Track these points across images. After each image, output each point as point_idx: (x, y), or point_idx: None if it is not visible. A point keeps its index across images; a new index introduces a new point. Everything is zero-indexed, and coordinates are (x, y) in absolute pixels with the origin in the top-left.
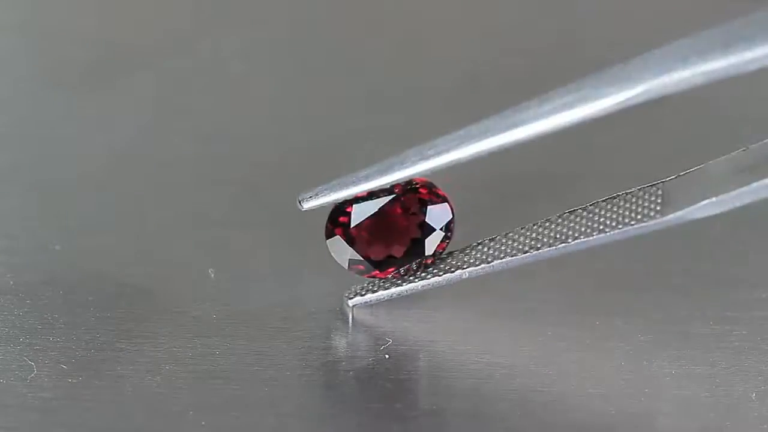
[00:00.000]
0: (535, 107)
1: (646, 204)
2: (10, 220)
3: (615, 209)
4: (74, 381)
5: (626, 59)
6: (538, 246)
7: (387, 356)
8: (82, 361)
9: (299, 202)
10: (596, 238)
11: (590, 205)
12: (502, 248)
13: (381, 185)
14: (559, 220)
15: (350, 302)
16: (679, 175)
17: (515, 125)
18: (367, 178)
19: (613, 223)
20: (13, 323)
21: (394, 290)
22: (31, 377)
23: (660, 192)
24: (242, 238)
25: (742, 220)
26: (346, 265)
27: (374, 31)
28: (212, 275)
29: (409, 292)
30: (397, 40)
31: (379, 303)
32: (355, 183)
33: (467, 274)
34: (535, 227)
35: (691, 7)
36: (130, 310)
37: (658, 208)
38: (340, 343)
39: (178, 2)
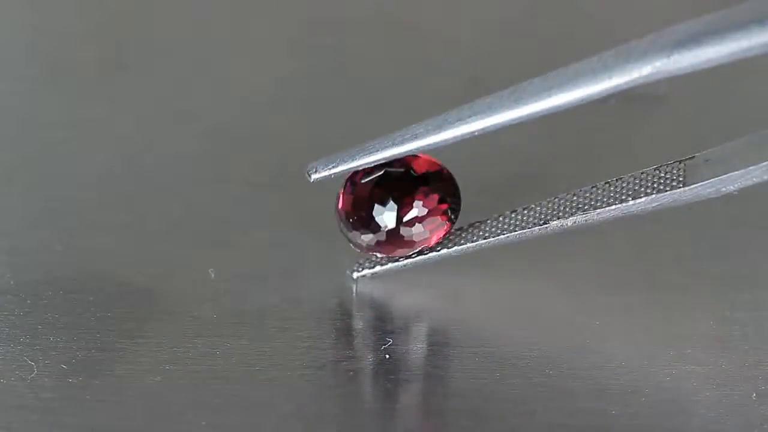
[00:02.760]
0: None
1: (669, 177)
2: (11, 220)
3: (637, 181)
4: (74, 381)
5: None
6: (556, 216)
7: (387, 356)
8: (82, 361)
9: (308, 174)
10: (616, 208)
11: (608, 182)
12: (516, 222)
13: (389, 157)
14: (575, 196)
15: (355, 275)
16: (695, 155)
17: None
18: (375, 150)
19: (634, 194)
20: (13, 323)
21: (398, 263)
22: (32, 377)
23: (682, 168)
24: (242, 238)
25: (743, 220)
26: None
27: (374, 31)
28: (212, 275)
29: (413, 265)
30: (397, 40)
31: (382, 304)
32: (363, 154)
33: (474, 247)
34: (555, 200)
35: (691, 7)
36: (130, 310)
37: (681, 179)
38: (341, 343)
39: (178, 2)
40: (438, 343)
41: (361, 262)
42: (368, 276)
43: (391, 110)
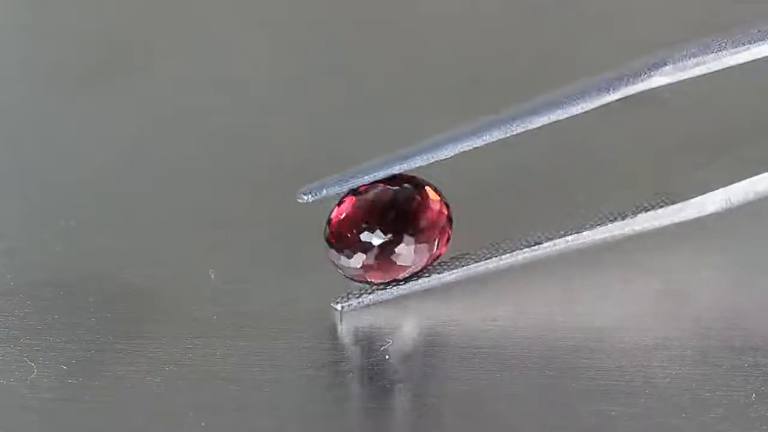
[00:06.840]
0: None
1: (655, 200)
2: (11, 221)
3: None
4: (74, 382)
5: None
6: (538, 242)
7: (387, 357)
8: (82, 362)
9: (301, 195)
10: (603, 228)
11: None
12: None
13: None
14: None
15: (339, 306)
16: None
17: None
18: (364, 172)
19: (620, 216)
20: (13, 324)
21: (383, 293)
22: (32, 378)
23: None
24: (242, 239)
25: (745, 220)
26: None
27: (374, 32)
28: (212, 276)
29: (398, 294)
30: (397, 40)
31: (378, 305)
32: (353, 177)
33: (454, 275)
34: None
35: (690, 8)
36: (130, 311)
37: (668, 199)
38: (341, 344)
39: (178, 2)
40: (437, 344)
41: (347, 293)
42: (355, 306)
43: (391, 111)
